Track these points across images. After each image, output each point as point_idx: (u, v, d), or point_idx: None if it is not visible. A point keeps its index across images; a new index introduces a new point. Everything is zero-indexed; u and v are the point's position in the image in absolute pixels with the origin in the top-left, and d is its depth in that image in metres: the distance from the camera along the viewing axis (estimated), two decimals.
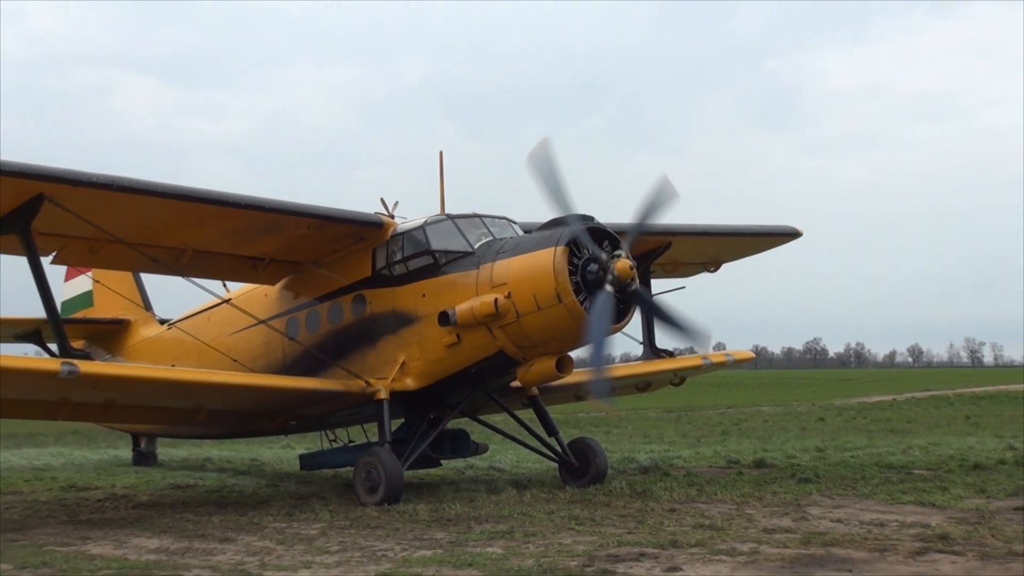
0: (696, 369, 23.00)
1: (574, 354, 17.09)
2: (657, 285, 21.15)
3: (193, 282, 18.66)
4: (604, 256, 15.79)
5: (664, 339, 20.09)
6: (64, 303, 24.54)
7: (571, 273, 15.75)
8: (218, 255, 18.52)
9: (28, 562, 11.75)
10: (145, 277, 24.34)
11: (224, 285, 19.99)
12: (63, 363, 14.83)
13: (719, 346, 25.91)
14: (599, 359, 16.22)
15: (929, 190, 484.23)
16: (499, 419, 20.39)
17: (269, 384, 17.66)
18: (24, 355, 20.15)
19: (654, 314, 18.28)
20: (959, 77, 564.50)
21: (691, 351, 21.67)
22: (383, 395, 17.15)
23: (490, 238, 17.24)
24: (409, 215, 18.34)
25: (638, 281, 16.47)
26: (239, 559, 11.72)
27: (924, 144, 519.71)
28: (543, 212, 17.00)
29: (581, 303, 15.68)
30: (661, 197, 16.46)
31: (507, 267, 16.27)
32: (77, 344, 19.93)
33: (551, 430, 18.85)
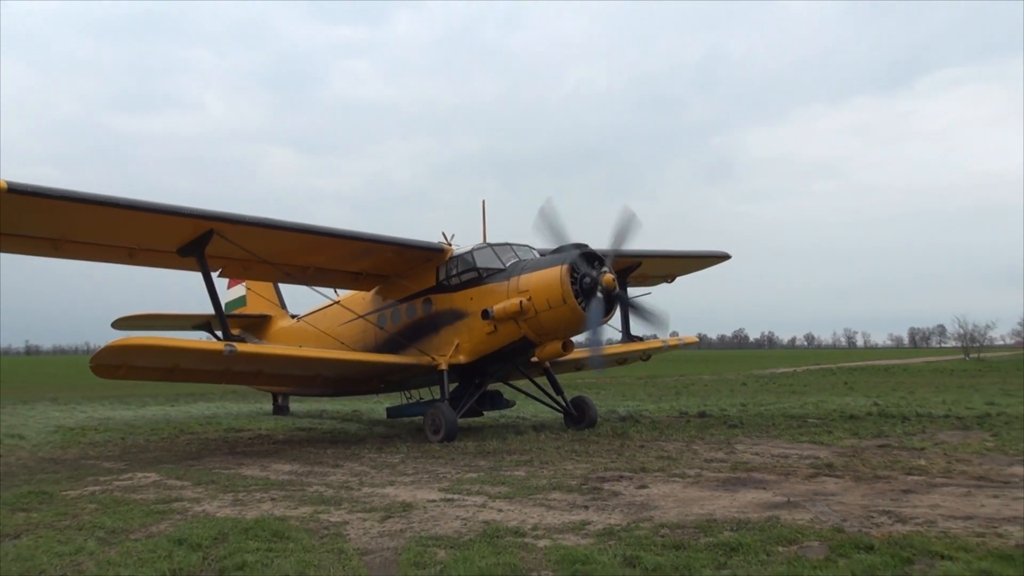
0: (658, 349, 22.91)
1: (574, 339, 17.10)
2: (631, 292, 21.02)
3: (315, 289, 18.81)
4: (595, 273, 15.86)
5: (637, 327, 19.96)
6: (227, 303, 24.65)
7: (572, 283, 15.78)
8: (332, 271, 18.60)
9: (201, 480, 11.86)
10: (281, 285, 24.50)
11: (335, 291, 20.08)
12: (226, 345, 14.96)
13: (673, 333, 25.75)
14: (596, 343, 16.30)
15: (821, 226, 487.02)
16: (523, 383, 20.37)
17: (365, 359, 17.69)
18: (199, 339, 20.40)
19: (633, 309, 18.11)
20: (843, 149, 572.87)
21: (654, 337, 21.56)
22: (443, 367, 17.17)
23: (517, 259, 17.29)
24: (461, 243, 18.38)
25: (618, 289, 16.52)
26: (345, 478, 11.78)
27: (819, 195, 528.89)
28: (553, 242, 17.04)
29: (579, 304, 15.71)
30: (628, 225, 16.44)
31: (529, 279, 16.31)
32: (235, 332, 20.08)
33: (558, 391, 18.82)
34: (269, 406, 26.33)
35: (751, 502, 9.13)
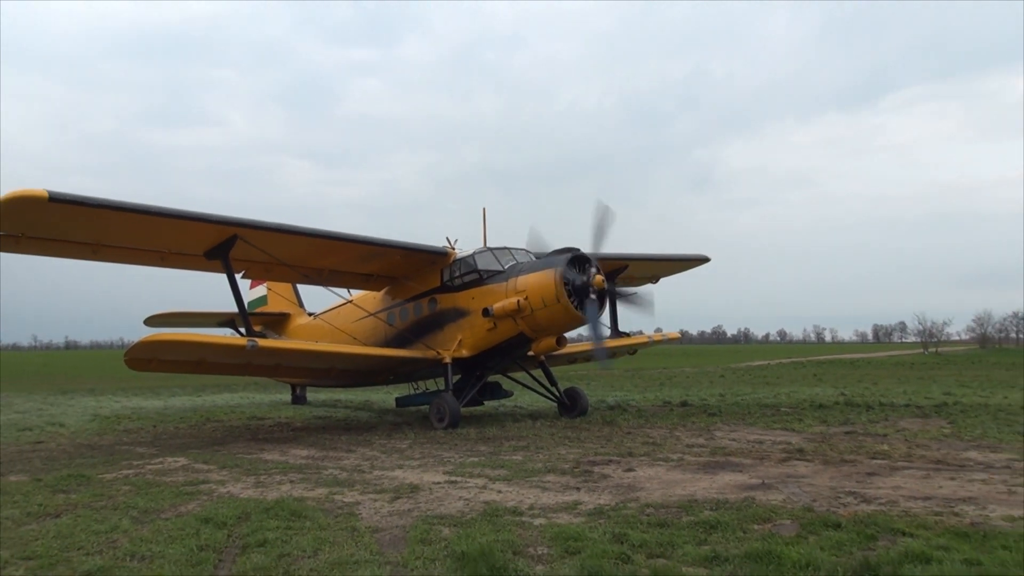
0: (644, 345, 22.94)
1: (567, 335, 17.14)
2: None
3: (330, 290, 18.80)
4: (585, 278, 15.88)
5: (623, 324, 19.99)
6: (249, 302, 24.61)
7: (565, 284, 15.78)
8: (345, 272, 18.55)
9: (226, 464, 11.85)
10: (299, 286, 24.43)
11: (349, 291, 20.05)
12: (248, 340, 14.97)
13: (657, 329, 25.74)
14: (599, 339, 16.37)
15: (793, 231, 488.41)
16: (520, 375, 20.37)
17: (376, 353, 17.68)
18: (224, 335, 20.39)
19: (624, 299, 18.23)
20: (814, 160, 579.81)
21: (640, 333, 21.57)
22: (447, 360, 17.16)
23: (515, 261, 17.28)
24: (464, 247, 18.36)
25: (606, 288, 16.55)
26: (357, 462, 11.77)
27: (792, 203, 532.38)
28: (549, 245, 17.01)
29: (571, 303, 15.73)
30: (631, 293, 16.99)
31: (526, 280, 16.31)
32: (257, 328, 20.02)
33: (553, 382, 18.81)
34: (288, 396, 26.28)
35: (729, 484, 9.14)
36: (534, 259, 17.29)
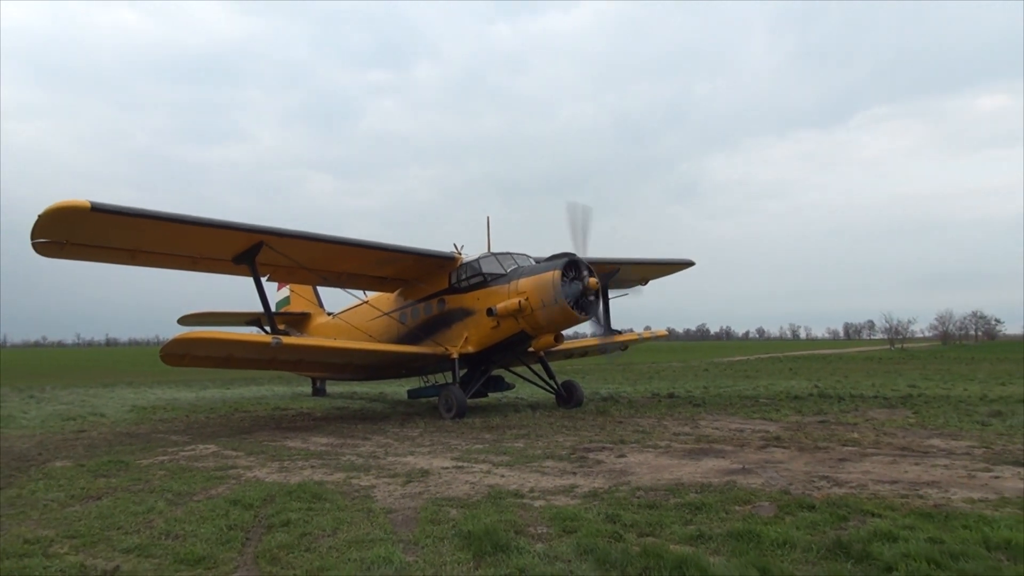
0: (634, 342, 22.92)
1: (564, 332, 17.13)
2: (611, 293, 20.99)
3: (347, 291, 18.78)
4: (584, 273, 15.90)
5: (612, 326, 19.93)
6: (274, 303, 24.66)
7: (562, 286, 15.76)
8: (361, 275, 18.54)
9: (252, 450, 11.85)
10: (319, 288, 24.41)
11: (364, 292, 20.04)
12: (273, 338, 14.96)
13: (647, 327, 25.70)
14: (558, 295, 16.04)
15: (771, 238, 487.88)
16: (521, 370, 20.35)
17: (389, 349, 17.68)
18: (250, 333, 20.37)
19: (595, 317, 17.88)
20: (790, 173, 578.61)
21: (631, 331, 21.52)
22: (455, 356, 17.16)
23: (516, 265, 17.28)
24: (470, 252, 18.36)
25: (600, 294, 16.55)
26: (372, 449, 11.76)
27: (770, 212, 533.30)
28: (547, 250, 17.02)
29: (568, 303, 15.71)
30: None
31: (527, 283, 16.31)
32: (280, 327, 20.02)
33: (551, 375, 18.80)
34: (309, 389, 26.29)
35: (712, 469, 9.12)
36: (534, 263, 17.30)
